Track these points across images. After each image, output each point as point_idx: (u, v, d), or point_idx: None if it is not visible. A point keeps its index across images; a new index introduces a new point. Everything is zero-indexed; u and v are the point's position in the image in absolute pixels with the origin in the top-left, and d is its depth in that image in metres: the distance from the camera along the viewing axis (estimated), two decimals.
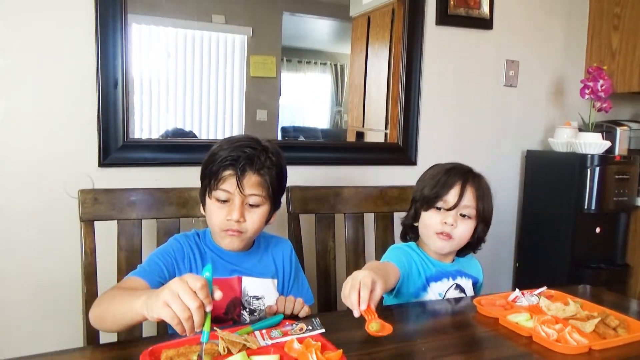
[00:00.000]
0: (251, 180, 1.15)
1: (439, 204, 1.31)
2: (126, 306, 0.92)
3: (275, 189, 1.19)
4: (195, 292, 0.80)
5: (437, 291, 1.33)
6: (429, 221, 1.33)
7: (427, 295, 1.32)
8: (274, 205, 1.23)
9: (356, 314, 0.96)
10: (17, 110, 1.54)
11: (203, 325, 0.82)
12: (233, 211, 1.14)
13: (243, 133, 1.96)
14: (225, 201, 1.16)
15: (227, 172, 1.14)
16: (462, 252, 1.39)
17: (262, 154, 1.16)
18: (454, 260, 1.39)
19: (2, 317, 1.57)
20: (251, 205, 1.17)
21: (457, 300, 1.33)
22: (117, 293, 1.02)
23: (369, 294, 0.96)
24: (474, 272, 1.42)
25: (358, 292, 0.96)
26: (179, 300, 0.79)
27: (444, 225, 1.30)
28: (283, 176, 1.23)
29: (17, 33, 1.52)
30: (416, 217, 1.38)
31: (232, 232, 1.17)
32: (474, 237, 1.34)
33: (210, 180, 1.16)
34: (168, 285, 0.82)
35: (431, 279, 1.33)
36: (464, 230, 1.31)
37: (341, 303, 1.63)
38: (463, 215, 1.30)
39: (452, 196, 1.30)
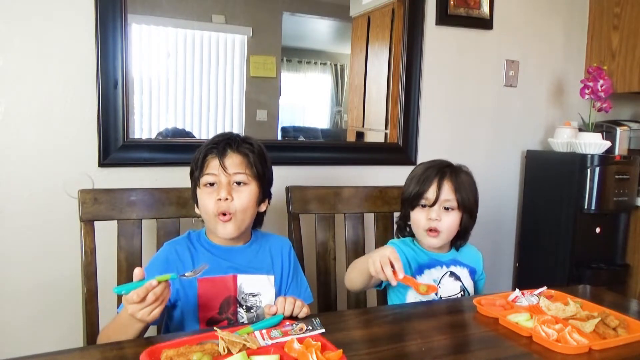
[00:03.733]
0: (232, 158, 1.21)
1: (422, 202, 1.38)
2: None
3: (260, 170, 1.24)
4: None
5: (432, 277, 1.38)
6: (417, 220, 1.40)
7: (422, 279, 1.37)
8: (263, 191, 1.27)
9: (394, 283, 1.13)
10: (17, 110, 1.54)
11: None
12: (221, 190, 1.19)
13: (243, 133, 1.96)
14: (213, 184, 1.21)
15: (210, 156, 1.22)
16: (453, 243, 1.44)
17: (240, 138, 1.26)
18: (449, 251, 1.44)
19: (2, 317, 1.57)
20: (238, 184, 1.21)
21: (457, 300, 1.33)
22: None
23: (400, 264, 1.13)
24: (470, 261, 1.46)
25: (390, 265, 1.13)
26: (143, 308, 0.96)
27: (429, 221, 1.36)
28: (266, 162, 1.27)
29: (17, 33, 1.51)
30: (407, 217, 1.44)
31: (223, 217, 1.20)
32: (461, 227, 1.39)
33: (197, 170, 1.23)
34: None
35: (424, 267, 1.39)
36: (449, 222, 1.36)
37: (341, 303, 1.64)
38: (447, 209, 1.36)
39: (431, 192, 1.37)
